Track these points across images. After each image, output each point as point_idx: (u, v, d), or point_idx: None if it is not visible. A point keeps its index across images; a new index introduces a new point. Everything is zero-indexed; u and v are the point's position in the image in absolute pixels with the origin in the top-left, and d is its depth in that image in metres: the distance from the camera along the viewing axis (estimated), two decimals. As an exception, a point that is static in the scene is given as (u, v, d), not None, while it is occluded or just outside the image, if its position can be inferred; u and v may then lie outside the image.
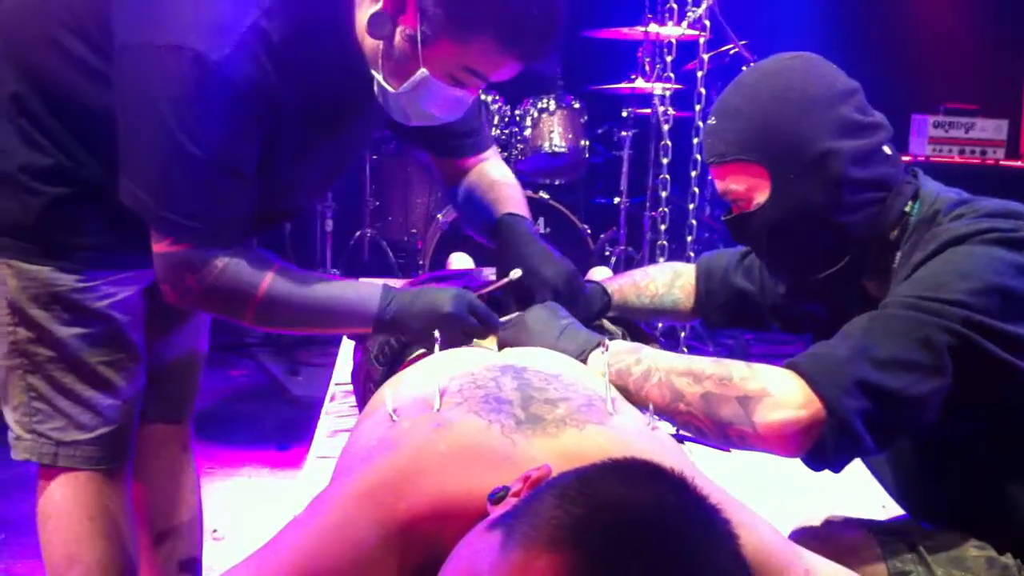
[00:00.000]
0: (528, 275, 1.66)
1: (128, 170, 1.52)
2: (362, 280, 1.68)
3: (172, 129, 1.43)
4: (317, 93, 1.56)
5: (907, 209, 1.51)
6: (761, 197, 1.52)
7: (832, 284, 1.54)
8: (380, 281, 1.66)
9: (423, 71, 1.48)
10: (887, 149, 1.52)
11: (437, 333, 1.34)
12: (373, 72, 1.52)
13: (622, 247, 4.75)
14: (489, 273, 1.91)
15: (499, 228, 1.78)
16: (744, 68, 4.04)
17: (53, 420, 1.70)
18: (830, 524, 1.45)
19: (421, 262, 4.68)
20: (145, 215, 1.52)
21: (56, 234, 1.64)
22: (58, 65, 1.58)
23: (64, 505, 1.73)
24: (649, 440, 1.17)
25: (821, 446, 1.32)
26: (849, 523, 1.46)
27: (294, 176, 1.66)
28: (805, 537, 1.43)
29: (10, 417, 1.73)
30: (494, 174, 1.89)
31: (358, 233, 5.10)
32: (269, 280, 1.54)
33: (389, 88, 1.51)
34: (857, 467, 1.70)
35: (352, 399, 2.08)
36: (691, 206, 3.05)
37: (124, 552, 1.78)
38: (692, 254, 3.16)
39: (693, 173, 3.06)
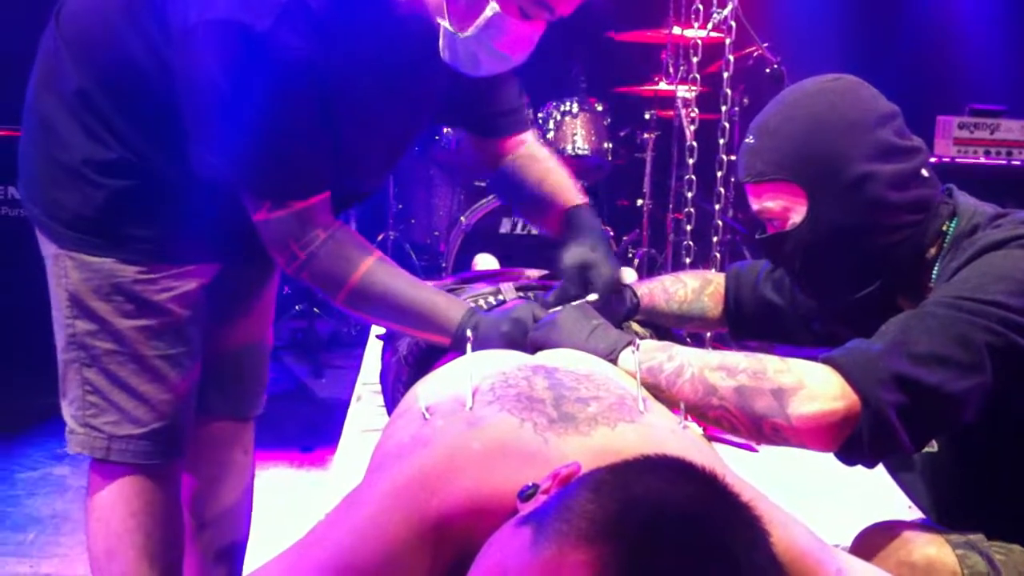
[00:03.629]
0: (591, 271, 1.66)
1: (204, 144, 1.55)
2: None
3: (232, 99, 1.47)
4: (366, 60, 1.57)
5: (944, 228, 1.52)
6: (797, 217, 1.53)
7: (866, 304, 1.54)
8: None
9: (493, 5, 1.47)
10: (925, 172, 1.52)
11: (469, 332, 1.35)
12: (439, 21, 1.52)
13: (644, 249, 4.74)
14: (530, 274, 1.92)
15: (568, 219, 1.78)
16: (767, 69, 4.06)
17: (107, 414, 1.71)
18: (903, 534, 1.41)
19: (444, 264, 4.69)
20: (234, 184, 1.57)
21: (118, 226, 1.66)
22: (120, 60, 1.60)
23: (109, 499, 1.75)
24: (681, 438, 1.17)
25: (856, 440, 1.31)
26: (922, 531, 1.42)
27: (357, 150, 1.67)
28: (873, 545, 1.41)
29: (66, 411, 1.75)
30: (540, 155, 1.89)
31: (381, 236, 5.11)
32: (368, 266, 1.59)
33: (458, 34, 1.51)
34: (879, 472, 1.69)
35: (379, 399, 2.09)
36: (717, 206, 3.05)
37: (166, 550, 1.80)
38: (717, 255, 3.15)
39: (719, 173, 3.06)
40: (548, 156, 1.91)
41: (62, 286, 1.69)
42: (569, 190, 1.84)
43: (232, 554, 2.08)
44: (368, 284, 1.58)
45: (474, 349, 1.49)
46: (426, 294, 1.62)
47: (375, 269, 1.59)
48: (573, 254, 1.68)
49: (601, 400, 1.18)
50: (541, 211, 1.86)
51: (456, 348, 1.57)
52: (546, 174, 1.86)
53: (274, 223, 1.58)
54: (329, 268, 1.59)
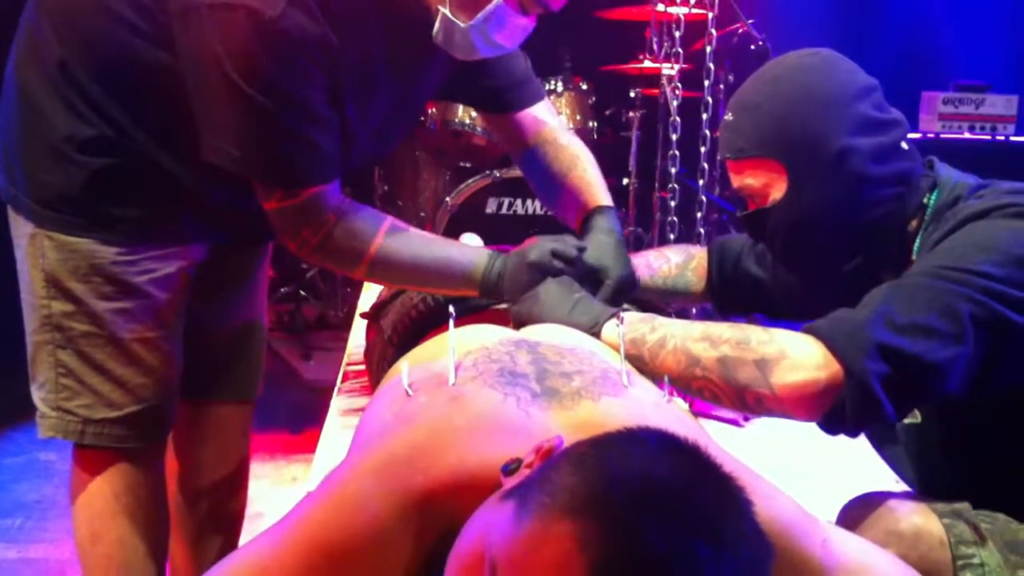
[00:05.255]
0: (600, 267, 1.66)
1: (214, 132, 1.53)
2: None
3: (240, 86, 1.45)
4: (374, 43, 1.56)
5: (925, 201, 1.52)
6: (777, 194, 1.52)
7: (849, 279, 1.54)
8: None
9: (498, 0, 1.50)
10: (904, 145, 1.52)
11: (452, 308, 1.35)
12: (440, 8, 1.53)
13: (631, 228, 4.73)
14: None
15: (588, 221, 1.78)
16: (752, 47, 4.05)
17: (81, 397, 1.69)
18: (888, 504, 1.41)
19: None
20: (246, 173, 1.55)
21: (99, 206, 1.64)
22: (108, 32, 1.57)
23: (92, 483, 1.74)
24: (665, 412, 1.17)
25: (839, 409, 1.31)
26: (908, 501, 1.42)
27: (362, 127, 1.66)
28: (860, 517, 1.40)
29: (36, 395, 1.73)
30: (563, 140, 1.89)
31: (367, 218, 5.09)
32: (381, 237, 1.59)
33: (459, 23, 1.52)
34: (864, 446, 1.69)
35: (364, 379, 2.08)
36: (701, 182, 3.04)
37: (150, 532, 1.79)
38: (702, 231, 3.15)
39: (703, 149, 3.05)
40: (572, 142, 1.91)
41: (38, 266, 1.66)
42: (593, 187, 1.84)
43: (228, 531, 2.07)
44: (384, 256, 1.59)
45: (506, 289, 1.55)
46: (442, 249, 1.63)
47: (388, 240, 1.60)
48: (589, 253, 1.67)
49: (585, 374, 1.18)
50: (563, 205, 1.86)
51: (485, 295, 1.60)
52: (572, 166, 1.86)
53: (287, 211, 1.57)
54: (343, 248, 1.60)
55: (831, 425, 1.35)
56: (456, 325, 1.32)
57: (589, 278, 1.62)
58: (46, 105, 1.62)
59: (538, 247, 1.58)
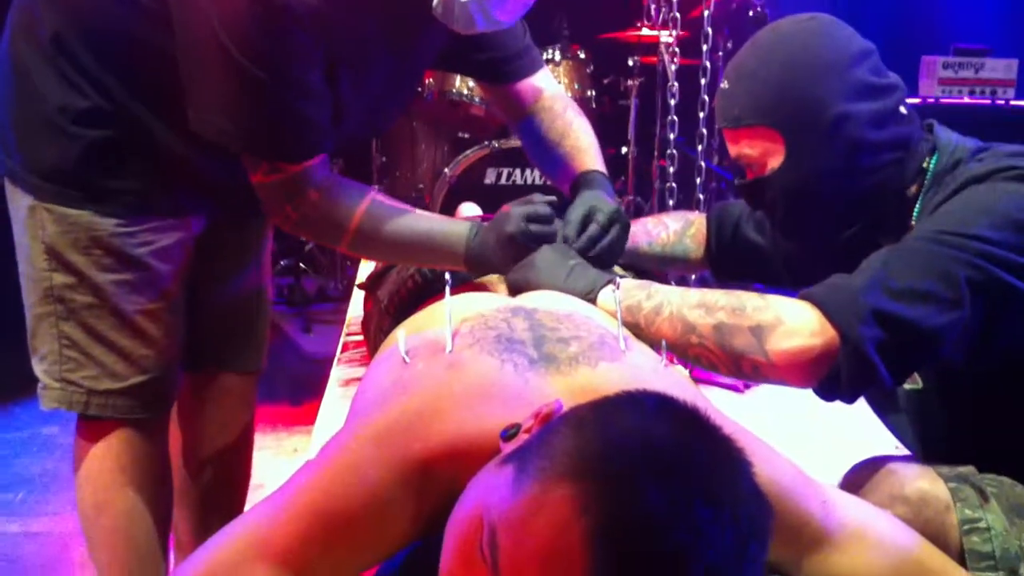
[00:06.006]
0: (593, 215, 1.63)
1: (204, 104, 1.52)
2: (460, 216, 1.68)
3: (235, 57, 1.44)
4: (372, 16, 1.55)
5: (925, 165, 1.50)
6: (775, 162, 1.51)
7: (848, 246, 1.53)
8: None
9: None
10: (903, 109, 1.51)
11: (448, 276, 1.34)
12: None
13: (631, 197, 4.72)
14: None
15: (578, 184, 1.77)
16: (750, 13, 4.02)
17: (85, 368, 1.69)
18: (893, 468, 1.40)
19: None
20: (233, 146, 1.54)
21: (96, 178, 1.63)
22: (102, 2, 1.57)
23: (98, 455, 1.74)
24: (663, 377, 1.17)
25: (835, 375, 1.31)
26: (913, 465, 1.41)
27: (360, 101, 1.65)
28: (864, 481, 1.39)
29: (38, 367, 1.73)
30: (559, 108, 1.88)
31: (365, 190, 5.08)
32: (362, 212, 1.58)
33: None
34: (867, 413, 1.69)
35: (363, 349, 2.08)
36: (700, 147, 3.03)
37: (155, 503, 1.79)
38: (701, 196, 3.14)
39: (701, 114, 3.03)
40: (568, 110, 1.89)
41: (38, 239, 1.66)
42: (586, 153, 1.82)
43: (233, 502, 2.08)
44: (366, 229, 1.58)
45: (483, 259, 1.54)
46: (425, 224, 1.61)
47: (369, 214, 1.58)
48: (577, 201, 1.66)
49: (582, 340, 1.17)
50: (558, 172, 1.85)
51: (471, 269, 1.59)
52: (566, 134, 1.85)
53: (271, 186, 1.57)
54: (324, 223, 1.59)
55: (827, 391, 1.34)
56: (452, 294, 1.31)
57: (579, 222, 1.60)
58: (40, 77, 1.61)
59: (511, 218, 1.55)
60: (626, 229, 1.65)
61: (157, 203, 1.68)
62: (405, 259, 1.69)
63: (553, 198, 1.62)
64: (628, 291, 1.42)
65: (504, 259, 1.55)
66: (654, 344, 1.32)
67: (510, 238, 1.54)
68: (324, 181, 1.58)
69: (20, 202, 1.67)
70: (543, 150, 1.87)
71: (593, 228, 1.58)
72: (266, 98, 1.48)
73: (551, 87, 1.91)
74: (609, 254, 1.59)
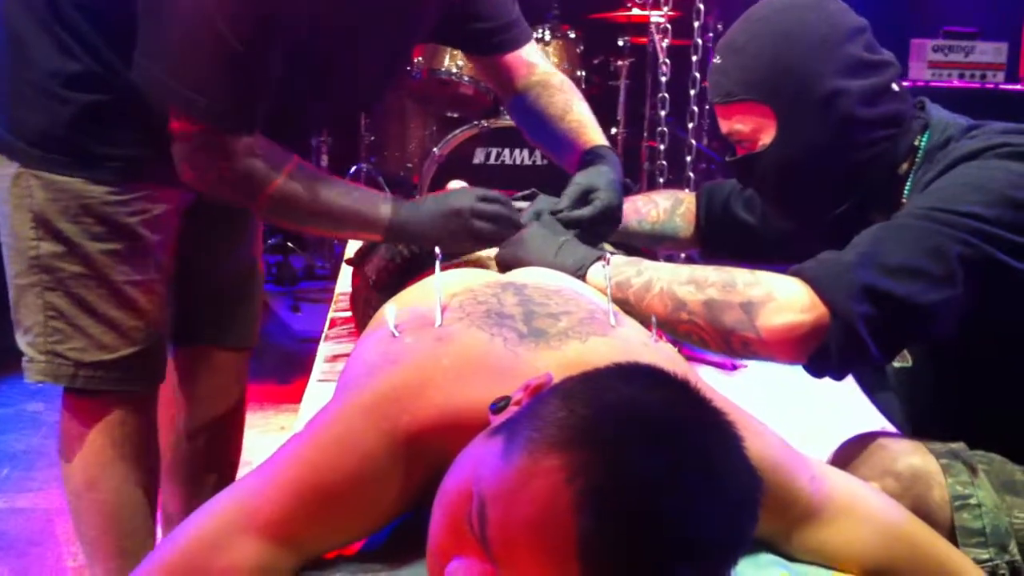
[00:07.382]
0: (592, 193, 1.63)
1: (148, 48, 1.49)
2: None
3: (205, 9, 1.40)
4: None
5: (916, 143, 1.50)
6: (767, 138, 1.51)
7: (840, 223, 1.52)
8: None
9: None
10: (895, 86, 1.50)
11: (438, 249, 1.33)
12: None
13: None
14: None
15: (585, 159, 1.75)
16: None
17: (73, 340, 1.67)
18: (885, 443, 1.40)
19: (417, 196, 4.65)
20: (163, 93, 1.49)
21: (87, 144, 1.61)
22: None
23: (88, 430, 1.72)
24: (653, 351, 1.16)
25: (825, 351, 1.31)
26: (904, 441, 1.41)
27: (355, 67, 1.63)
28: (855, 456, 1.39)
29: (22, 340, 1.70)
30: (555, 82, 1.87)
31: (354, 168, 5.05)
32: (284, 175, 1.52)
33: None
34: (857, 391, 1.69)
35: (351, 325, 2.07)
36: (690, 125, 3.03)
37: (145, 478, 1.79)
38: (691, 175, 3.14)
39: (692, 92, 3.03)
40: (564, 84, 1.88)
41: (24, 207, 1.63)
42: (591, 128, 1.81)
43: (224, 479, 2.07)
44: (285, 192, 1.52)
45: (407, 230, 1.53)
46: (347, 194, 1.57)
47: (291, 178, 1.53)
48: (581, 175, 1.65)
49: (572, 315, 1.17)
50: (562, 147, 1.83)
51: (388, 241, 1.58)
52: (567, 109, 1.83)
53: (195, 137, 1.50)
54: (242, 181, 1.53)
55: (817, 367, 1.34)
56: (442, 270, 1.30)
57: (577, 198, 1.60)
58: (32, 41, 1.59)
59: (463, 193, 1.55)
60: (620, 206, 1.64)
61: (150, 169, 1.65)
62: (324, 226, 1.64)
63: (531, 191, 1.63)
64: (618, 267, 1.41)
65: (438, 231, 1.52)
66: (644, 320, 1.32)
67: (456, 212, 1.52)
68: (250, 143, 1.52)
69: (3, 170, 1.64)
70: (544, 126, 1.85)
71: (591, 205, 1.58)
72: (220, 54, 1.44)
73: (544, 63, 1.90)
74: (603, 227, 1.58)
